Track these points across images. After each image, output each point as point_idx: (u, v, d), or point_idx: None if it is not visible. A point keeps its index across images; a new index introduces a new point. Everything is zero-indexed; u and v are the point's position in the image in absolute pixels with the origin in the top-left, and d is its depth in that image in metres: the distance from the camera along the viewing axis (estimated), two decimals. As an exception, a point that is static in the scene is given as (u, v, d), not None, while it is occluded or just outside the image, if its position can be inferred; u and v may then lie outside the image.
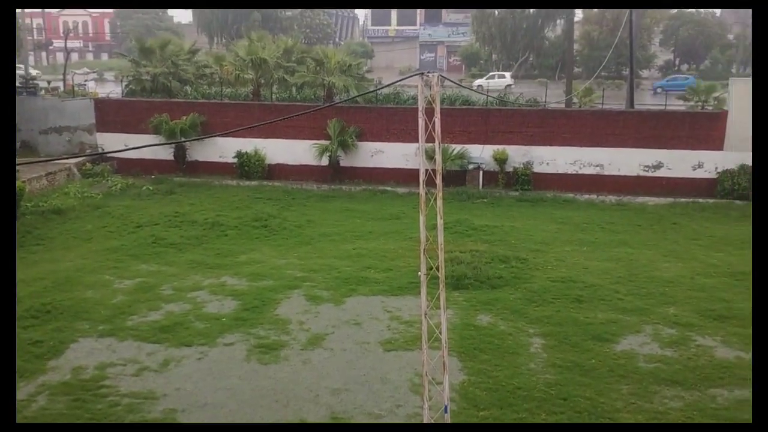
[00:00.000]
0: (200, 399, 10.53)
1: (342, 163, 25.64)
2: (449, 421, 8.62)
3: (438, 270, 8.41)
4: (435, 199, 8.16)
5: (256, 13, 66.97)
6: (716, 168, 23.53)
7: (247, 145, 25.95)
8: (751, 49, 61.27)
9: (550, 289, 14.92)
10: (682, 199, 22.89)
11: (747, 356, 11.75)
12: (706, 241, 18.54)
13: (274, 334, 12.79)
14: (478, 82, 50.13)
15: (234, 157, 25.97)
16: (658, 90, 44.02)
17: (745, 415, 9.91)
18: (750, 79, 30.20)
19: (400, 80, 8.98)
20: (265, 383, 11.03)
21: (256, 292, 14.76)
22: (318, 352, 12.10)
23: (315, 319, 13.50)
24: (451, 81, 12.11)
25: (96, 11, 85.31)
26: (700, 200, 22.76)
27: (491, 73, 56.56)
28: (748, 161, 23.05)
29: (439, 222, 8.13)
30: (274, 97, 28.77)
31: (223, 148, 26.24)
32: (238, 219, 20.32)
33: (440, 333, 8.53)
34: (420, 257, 8.38)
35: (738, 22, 66.36)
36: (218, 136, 25.22)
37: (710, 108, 25.69)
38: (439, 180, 7.99)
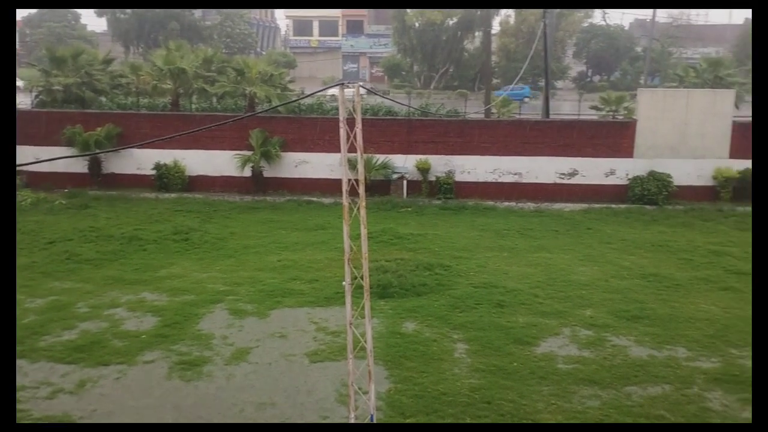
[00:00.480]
0: (119, 420, 10.16)
1: (265, 174, 25.39)
2: (376, 430, 8.64)
3: (363, 279, 8.45)
4: (359, 209, 8.20)
5: (174, 22, 65.62)
6: (627, 175, 24.62)
7: (167, 156, 25.32)
8: (653, 62, 64.56)
9: (473, 294, 15.20)
10: (596, 205, 23.81)
11: (659, 354, 12.32)
12: (619, 244, 19.33)
13: (196, 349, 12.49)
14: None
15: (152, 169, 25.29)
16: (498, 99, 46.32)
17: (658, 411, 10.38)
18: (656, 89, 31.80)
19: (321, 90, 8.99)
20: (187, 401, 10.75)
21: (177, 308, 14.39)
22: (242, 366, 11.90)
23: (239, 333, 13.28)
24: (374, 92, 12.23)
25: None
26: (613, 206, 23.74)
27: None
28: (656, 168, 24.26)
29: (363, 231, 8.18)
30: (193, 107, 28.21)
31: (141, 160, 25.51)
32: (157, 233, 19.77)
33: (366, 342, 8.56)
34: (345, 267, 8.40)
35: (645, 36, 69.68)
36: (135, 147, 24.50)
37: (621, 117, 26.88)
38: (361, 190, 8.05)
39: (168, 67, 26.20)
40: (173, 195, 24.69)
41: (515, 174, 25.19)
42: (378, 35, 78.26)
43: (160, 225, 20.63)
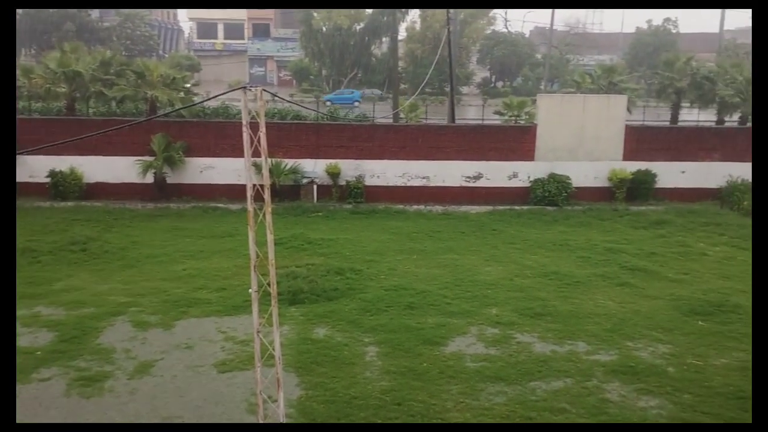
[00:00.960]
0: (12, 443, 9.56)
1: (169, 180, 24.63)
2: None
3: (270, 286, 8.33)
4: (265, 215, 8.09)
5: (70, 23, 62.69)
6: (529, 177, 25.50)
7: (62, 163, 24.13)
8: (553, 69, 67.22)
9: (384, 297, 15.31)
10: (500, 207, 24.52)
11: (561, 349, 12.80)
12: (522, 244, 19.97)
13: (97, 364, 11.95)
14: None
15: (47, 176, 24.03)
16: (328, 103, 47.97)
17: (560, 404, 10.77)
18: (554, 94, 33.10)
19: (223, 93, 8.81)
20: (88, 418, 10.27)
21: (75, 322, 13.72)
22: (146, 380, 11.48)
23: (142, 345, 12.81)
24: (277, 96, 12.10)
25: None
26: (516, 207, 24.52)
27: None
28: (556, 170, 25.24)
29: (269, 237, 8.07)
30: (91, 111, 27.01)
31: (34, 168, 24.18)
32: (52, 243, 18.79)
33: (274, 350, 8.44)
34: (251, 274, 8.26)
35: (544, 43, 72.45)
36: (27, 153, 23.20)
37: (522, 122, 27.81)
38: (267, 195, 7.94)
39: (62, 69, 24.98)
40: (70, 203, 23.56)
41: (423, 178, 25.58)
42: (285, 39, 77.65)
43: (55, 235, 19.63)
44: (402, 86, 58.86)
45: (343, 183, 25.02)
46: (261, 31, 78.62)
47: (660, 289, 16.09)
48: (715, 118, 34.37)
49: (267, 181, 7.96)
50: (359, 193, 24.77)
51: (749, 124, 30.62)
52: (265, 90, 7.79)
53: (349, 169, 25.10)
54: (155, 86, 25.40)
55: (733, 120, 33.05)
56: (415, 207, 24.59)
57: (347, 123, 26.70)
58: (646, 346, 12.95)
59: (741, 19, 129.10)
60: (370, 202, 24.65)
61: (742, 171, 25.81)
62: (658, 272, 17.33)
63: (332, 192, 24.90)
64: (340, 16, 63.33)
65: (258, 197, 8.00)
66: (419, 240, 20.41)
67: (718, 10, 69.83)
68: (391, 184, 25.44)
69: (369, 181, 25.21)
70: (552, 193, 24.73)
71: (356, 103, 47.85)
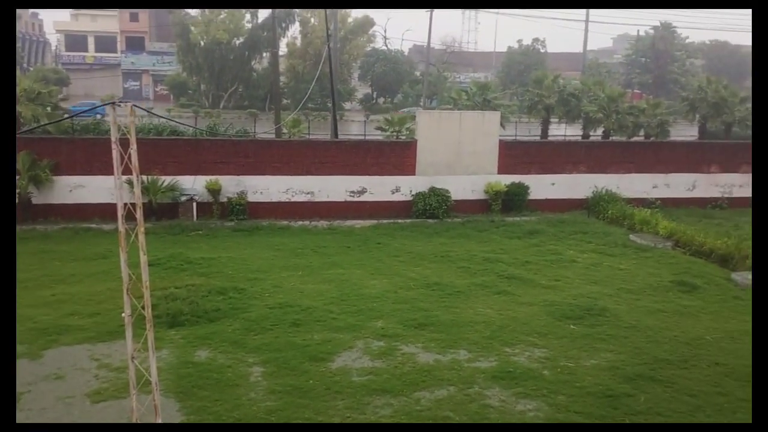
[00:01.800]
0: None
1: (35, 201, 23.12)
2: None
3: (145, 309, 8.01)
4: (137, 235, 7.78)
5: None
6: (411, 191, 26.05)
7: None
8: (431, 86, 69.26)
9: (269, 316, 15.08)
10: (384, 221, 24.87)
11: (444, 358, 13.11)
12: (406, 257, 20.34)
13: (-48, 402, 10.95)
14: None
15: None
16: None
17: (444, 412, 11.02)
18: (433, 111, 34.09)
19: (91, 109, 8.42)
20: (-59, 463, 9.37)
21: (-73, 357, 12.52)
22: (11, 415, 10.64)
23: (6, 378, 11.87)
24: (149, 111, 11.68)
25: None
26: (399, 221, 24.96)
27: None
28: (436, 184, 25.95)
29: (143, 258, 7.76)
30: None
31: None
32: None
33: (151, 376, 8.11)
34: (124, 297, 7.91)
35: (422, 61, 74.48)
36: None
37: (404, 137, 28.41)
38: (139, 214, 7.65)
39: None
40: None
41: (308, 193, 25.51)
42: (161, 53, 75.32)
43: None
44: (284, 102, 58.56)
45: (225, 200, 24.48)
46: (135, 45, 75.85)
47: (535, 295, 16.87)
48: (581, 133, 36.68)
49: (139, 200, 7.67)
50: (241, 210, 24.32)
51: (611, 138, 32.90)
52: (137, 106, 7.52)
53: (231, 185, 24.61)
54: (18, 101, 23.83)
55: (597, 134, 35.39)
56: (300, 223, 24.47)
57: (228, 138, 26.20)
58: (523, 351, 13.52)
59: (602, 39, 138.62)
60: (253, 219, 24.26)
61: (606, 182, 27.66)
62: (533, 280, 18.17)
63: (213, 209, 24.30)
64: (219, 30, 62.26)
65: (131, 216, 7.68)
66: (304, 256, 20.30)
67: (581, 31, 74.63)
68: (274, 200, 25.17)
69: (252, 198, 24.82)
70: (433, 206, 25.39)
71: (98, 117, 42.90)
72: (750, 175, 29.06)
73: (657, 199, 28.02)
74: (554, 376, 12.40)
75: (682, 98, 40.13)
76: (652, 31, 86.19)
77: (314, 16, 67.20)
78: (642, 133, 34.36)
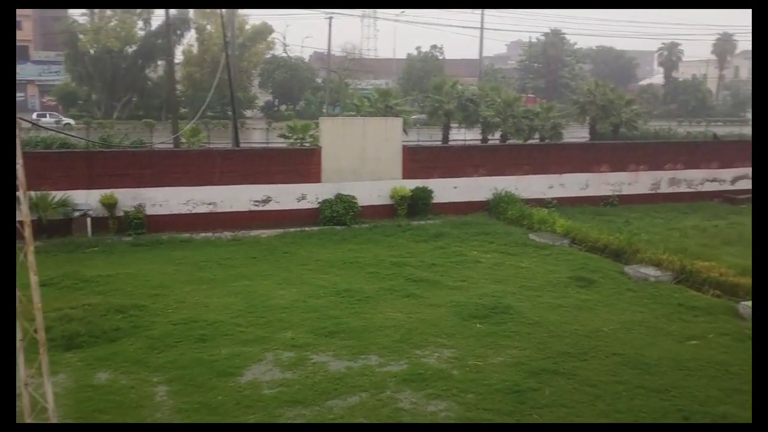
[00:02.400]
0: None
1: None
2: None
3: (37, 332, 7.54)
4: (26, 254, 7.32)
5: None
6: (317, 198, 25.95)
7: None
8: (333, 92, 69.40)
9: (172, 333, 14.57)
10: (291, 229, 24.63)
11: (355, 365, 13.09)
12: (314, 265, 20.22)
13: None
14: None
15: None
16: None
17: (357, 419, 11.00)
18: (336, 118, 34.14)
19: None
20: None
21: None
22: None
23: None
24: (35, 123, 11.07)
25: None
26: (306, 228, 24.80)
27: None
28: (342, 191, 25.97)
29: (33, 278, 7.31)
30: None
31: None
32: None
33: (46, 402, 7.64)
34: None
35: (323, 68, 74.52)
36: None
37: (308, 145, 28.29)
38: (28, 232, 7.20)
39: None
40: None
41: (210, 204, 24.90)
42: (48, 62, 71.66)
43: None
44: (182, 110, 57.00)
45: (121, 214, 23.49)
46: (19, 54, 71.64)
47: (442, 297, 17.16)
48: (480, 137, 37.76)
49: (27, 217, 7.22)
50: (140, 224, 23.41)
51: (509, 141, 34.05)
52: (21, 118, 7.08)
53: (127, 198, 23.66)
54: None
55: (495, 138, 36.56)
56: (203, 235, 23.82)
57: (123, 150, 25.20)
58: (433, 353, 13.71)
59: (497, 46, 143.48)
60: (152, 233, 23.40)
61: (506, 184, 28.58)
62: (439, 281, 18.49)
63: (109, 224, 23.27)
64: (110, 38, 59.89)
65: (19, 235, 7.22)
66: (208, 269, 19.77)
67: (477, 38, 77.02)
68: (175, 212, 24.40)
69: (150, 211, 23.95)
70: (340, 213, 25.39)
71: None
72: (637, 173, 30.84)
73: (553, 198, 29.21)
74: (463, 375, 12.64)
75: (573, 102, 42.12)
76: (543, 38, 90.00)
77: (210, 23, 65.89)
78: (537, 135, 35.79)
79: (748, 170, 32.82)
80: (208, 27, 66.31)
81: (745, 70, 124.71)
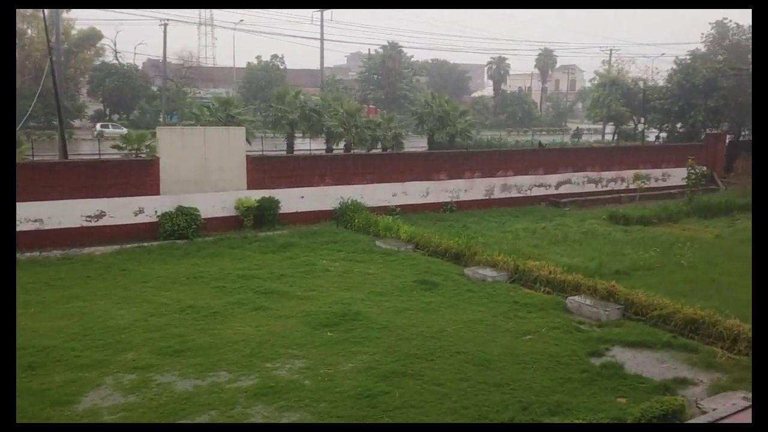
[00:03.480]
0: None
1: None
2: None
3: None
4: None
5: None
6: (156, 212, 24.81)
7: None
8: (170, 101, 66.92)
9: (-4, 363, 13.25)
10: (129, 245, 23.36)
11: (203, 383, 12.66)
12: (155, 282, 19.31)
13: None
14: None
15: None
16: None
17: (208, 438, 10.64)
18: (175, 127, 32.88)
19: None
20: None
21: None
22: None
23: None
24: None
25: None
26: (146, 244, 23.63)
27: None
28: (184, 203, 25.05)
29: None
30: None
31: None
32: None
33: None
34: None
35: (159, 75, 71.60)
36: None
37: (144, 155, 27.00)
38: None
39: None
40: None
41: (36, 221, 23.01)
42: None
43: None
44: None
45: (-70, 235, 21.03)
46: None
47: (291, 308, 17.07)
48: (324, 147, 38.08)
49: None
50: (-47, 245, 21.09)
51: (353, 151, 34.62)
52: None
53: (-63, 217, 21.23)
54: None
55: (339, 148, 37.03)
56: (28, 254, 21.90)
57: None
58: (284, 364, 13.59)
59: (337, 57, 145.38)
60: (-32, 255, 21.16)
61: (352, 193, 29.02)
62: (289, 292, 18.38)
63: None
64: None
65: None
66: (36, 291, 18.24)
67: (317, 49, 77.65)
68: (-6, 231, 22.23)
69: (-35, 230, 21.65)
70: (182, 227, 24.46)
71: None
72: (472, 180, 32.58)
73: (397, 206, 30.09)
74: (315, 385, 12.65)
75: (412, 112, 43.74)
76: (381, 50, 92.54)
77: (31, 27, 61.07)
78: (380, 145, 36.72)
79: (570, 175, 35.84)
80: (30, 31, 61.42)
81: (564, 83, 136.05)
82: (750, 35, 61.65)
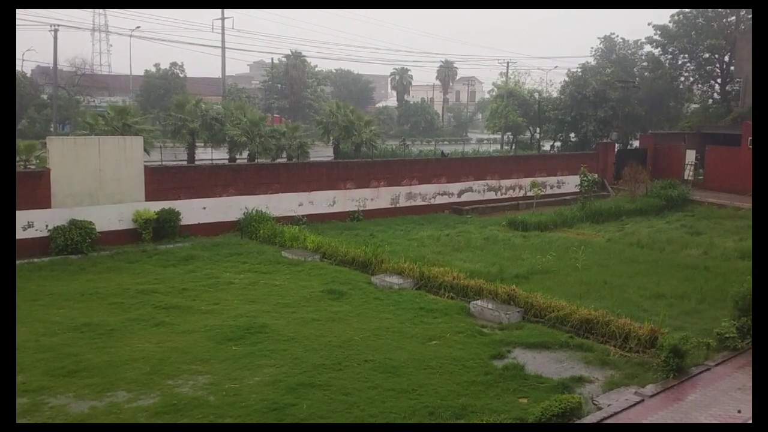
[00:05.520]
0: None
1: None
2: None
3: None
4: None
5: None
6: (47, 226, 23.54)
7: None
8: (62, 110, 63.83)
9: None
10: (18, 261, 21.98)
11: (101, 403, 12.09)
12: (47, 299, 18.29)
13: None
14: None
15: None
16: None
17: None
18: (67, 137, 31.33)
19: None
20: None
21: None
22: None
23: None
24: None
25: None
26: (36, 260, 22.36)
27: None
28: (77, 216, 23.90)
29: None
30: None
31: None
32: None
33: None
34: None
35: (49, 83, 68.15)
36: None
37: (33, 167, 25.56)
38: None
39: None
40: None
41: None
42: None
43: None
44: None
45: None
46: None
47: (194, 322, 16.59)
48: (227, 156, 37.34)
49: None
50: None
51: (257, 160, 34.13)
52: None
53: None
54: None
55: (243, 157, 36.38)
56: None
57: None
58: (187, 381, 13.18)
59: (239, 66, 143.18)
60: None
61: (256, 203, 28.60)
62: (191, 306, 17.86)
63: None
64: None
65: None
66: None
67: (219, 58, 76.18)
68: None
69: None
70: (75, 241, 23.30)
71: None
72: (378, 189, 32.86)
73: (304, 215, 29.90)
74: (220, 400, 12.34)
75: (317, 122, 43.57)
76: (285, 59, 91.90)
77: None
78: (285, 155, 36.39)
79: (472, 183, 36.81)
80: None
81: (464, 95, 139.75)
82: (634, 50, 65.71)
